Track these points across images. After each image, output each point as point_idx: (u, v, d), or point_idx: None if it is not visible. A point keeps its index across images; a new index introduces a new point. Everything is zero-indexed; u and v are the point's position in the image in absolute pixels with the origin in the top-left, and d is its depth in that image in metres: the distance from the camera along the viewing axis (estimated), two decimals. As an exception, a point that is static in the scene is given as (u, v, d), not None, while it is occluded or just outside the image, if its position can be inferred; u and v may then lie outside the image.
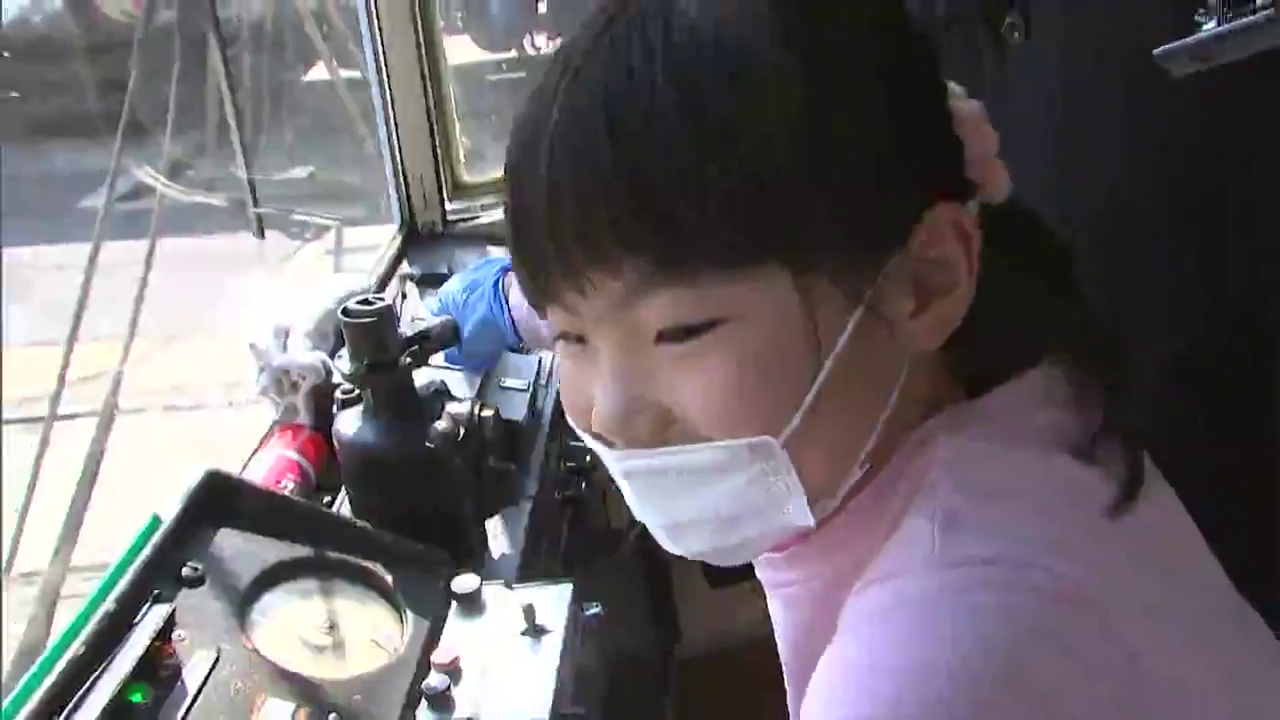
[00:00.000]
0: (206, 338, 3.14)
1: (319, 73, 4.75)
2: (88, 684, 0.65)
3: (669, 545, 0.50)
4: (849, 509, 0.47)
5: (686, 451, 0.45)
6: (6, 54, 4.73)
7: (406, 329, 0.96)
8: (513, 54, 4.91)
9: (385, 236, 1.54)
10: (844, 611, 0.45)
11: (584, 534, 1.23)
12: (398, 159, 1.47)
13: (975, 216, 0.47)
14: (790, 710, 0.58)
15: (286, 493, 0.96)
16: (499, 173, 1.71)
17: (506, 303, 0.98)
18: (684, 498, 0.46)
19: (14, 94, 4.85)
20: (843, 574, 0.46)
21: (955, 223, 0.45)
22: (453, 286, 1.04)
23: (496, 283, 0.99)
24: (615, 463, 0.48)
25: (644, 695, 1.64)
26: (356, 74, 4.53)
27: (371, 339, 0.90)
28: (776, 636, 0.57)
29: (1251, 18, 0.65)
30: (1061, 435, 0.45)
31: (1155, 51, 0.64)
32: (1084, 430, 0.45)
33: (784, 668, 0.57)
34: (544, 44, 4.77)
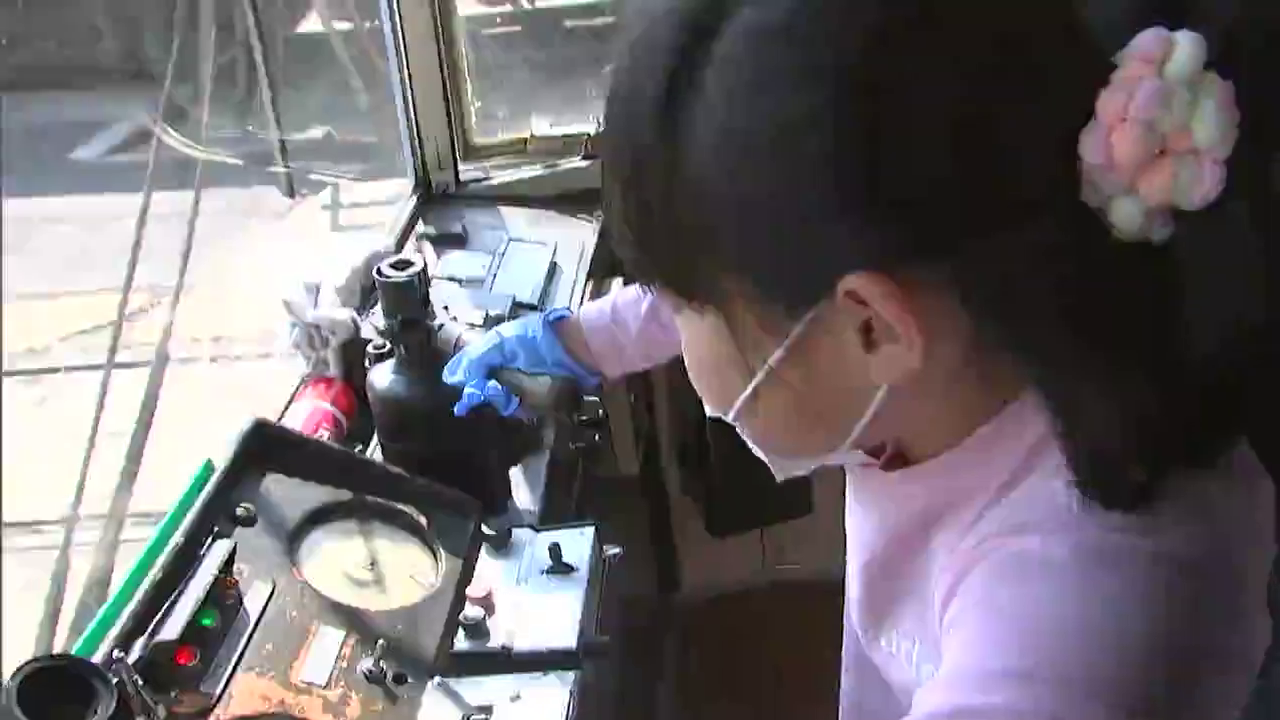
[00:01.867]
0: (209, 290, 3.17)
1: (311, 24, 4.72)
2: (165, 607, 0.72)
3: None
4: (957, 451, 0.49)
5: None
6: (-5, 2, 4.67)
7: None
8: (507, 7, 4.89)
9: (383, 192, 1.58)
10: (966, 548, 0.47)
11: (594, 482, 1.30)
12: (412, 120, 1.51)
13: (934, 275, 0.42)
14: (852, 600, 0.63)
15: (324, 440, 1.02)
16: (509, 135, 1.73)
17: (567, 351, 0.92)
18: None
19: (0, 41, 4.81)
20: (938, 506, 0.50)
21: (879, 294, 0.42)
22: (490, 356, 0.92)
23: (550, 340, 0.92)
24: None
25: (646, 637, 1.72)
26: (349, 25, 4.50)
27: (406, 297, 0.95)
28: (850, 540, 0.62)
29: None
30: None
31: None
32: None
33: (854, 571, 0.61)
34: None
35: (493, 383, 0.90)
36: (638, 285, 0.82)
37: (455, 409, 0.91)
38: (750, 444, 0.53)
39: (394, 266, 0.96)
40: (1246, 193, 0.40)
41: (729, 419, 0.51)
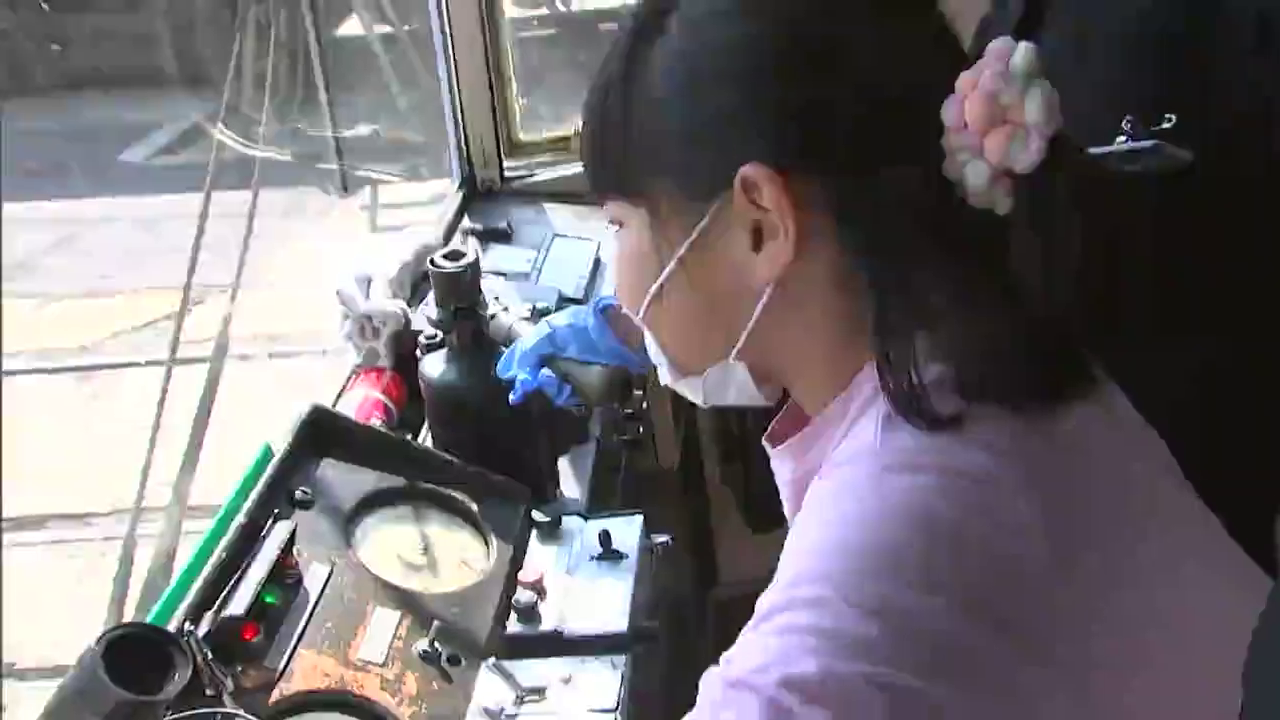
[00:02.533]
0: (261, 288, 3.22)
1: (352, 27, 4.80)
2: (230, 584, 0.74)
3: None
4: (821, 416, 0.56)
5: None
6: (46, 6, 4.79)
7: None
8: (544, 10, 4.94)
9: (423, 193, 1.60)
10: (806, 497, 0.53)
11: (635, 474, 1.31)
12: (459, 118, 1.53)
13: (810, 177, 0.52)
14: None
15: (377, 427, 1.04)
16: (552, 132, 1.74)
17: (619, 339, 0.91)
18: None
19: (55, 46, 4.92)
20: (813, 468, 0.56)
21: (767, 181, 0.51)
22: (541, 346, 0.92)
23: (601, 327, 0.91)
24: None
25: (683, 632, 1.73)
26: (388, 29, 4.57)
27: (459, 288, 0.97)
28: None
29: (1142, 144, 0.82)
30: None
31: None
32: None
33: None
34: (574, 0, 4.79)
35: (546, 371, 0.90)
36: None
37: (510, 398, 0.92)
38: (657, 353, 0.61)
39: (446, 257, 0.98)
40: (1064, 168, 0.50)
41: (639, 317, 0.59)
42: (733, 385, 0.59)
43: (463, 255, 0.98)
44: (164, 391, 1.21)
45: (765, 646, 0.45)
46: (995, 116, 0.50)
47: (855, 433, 0.52)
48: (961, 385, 0.50)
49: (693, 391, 0.61)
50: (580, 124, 0.60)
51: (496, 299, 1.04)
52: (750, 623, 0.47)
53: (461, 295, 0.98)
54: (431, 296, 1.04)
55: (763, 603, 0.48)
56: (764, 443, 0.63)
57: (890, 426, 0.50)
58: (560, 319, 0.93)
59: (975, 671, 0.44)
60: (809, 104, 0.52)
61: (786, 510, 0.64)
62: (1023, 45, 0.51)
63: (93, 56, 4.97)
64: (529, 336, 0.93)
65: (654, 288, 0.57)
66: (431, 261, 0.98)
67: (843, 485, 0.50)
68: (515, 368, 0.92)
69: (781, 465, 0.61)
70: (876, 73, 0.52)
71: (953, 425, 0.49)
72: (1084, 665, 0.45)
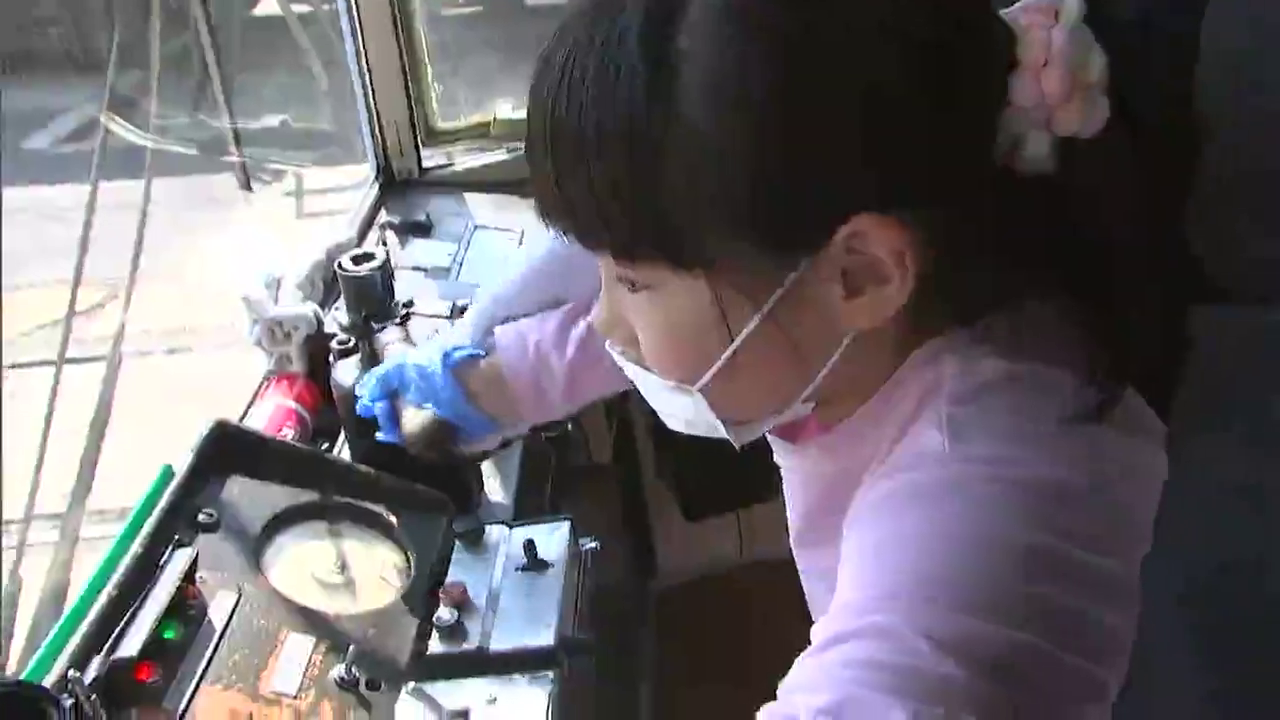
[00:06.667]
0: (167, 282, 3.10)
1: (268, 7, 4.62)
2: (123, 622, 0.69)
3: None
4: (858, 414, 0.53)
5: (644, 372, 0.55)
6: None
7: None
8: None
9: (348, 178, 1.54)
10: (858, 499, 0.50)
11: (567, 471, 1.28)
12: (371, 105, 1.47)
13: (914, 221, 0.47)
14: (801, 571, 0.66)
15: (288, 440, 0.99)
16: (472, 119, 1.69)
17: (468, 398, 0.84)
18: (657, 399, 0.56)
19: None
20: (852, 466, 0.53)
21: (878, 234, 0.46)
22: (387, 377, 0.87)
23: (446, 380, 0.85)
24: (615, 357, 0.58)
25: (624, 625, 1.71)
26: (307, 8, 4.41)
27: (369, 293, 0.93)
28: (788, 509, 0.65)
29: None
30: (1056, 355, 0.49)
31: None
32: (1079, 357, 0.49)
33: (793, 537, 0.65)
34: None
35: (381, 405, 0.86)
36: (560, 317, 0.83)
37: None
38: (703, 418, 0.54)
39: (355, 260, 0.94)
40: (1120, 125, 0.47)
41: (696, 388, 0.52)
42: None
43: (372, 257, 0.94)
44: (52, 398, 1.14)
45: (832, 680, 0.41)
46: (1076, 85, 0.46)
47: (915, 434, 0.49)
48: (1101, 371, 0.47)
49: (752, 436, 0.56)
50: (556, 167, 0.48)
51: (410, 302, 0.99)
52: (813, 647, 0.44)
53: (372, 300, 0.93)
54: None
55: (829, 627, 0.44)
56: (773, 438, 0.60)
57: (957, 431, 0.46)
58: (417, 355, 0.87)
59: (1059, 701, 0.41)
60: (931, 136, 0.45)
61: (802, 506, 0.61)
62: None
63: (-8, 41, 4.72)
64: (388, 362, 0.89)
65: (723, 358, 0.50)
66: (339, 265, 0.93)
67: (914, 494, 0.46)
68: (363, 389, 0.88)
69: (804, 460, 0.59)
70: (962, 78, 0.46)
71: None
72: (1115, 690, 0.44)
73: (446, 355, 0.85)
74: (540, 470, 1.15)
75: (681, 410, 0.55)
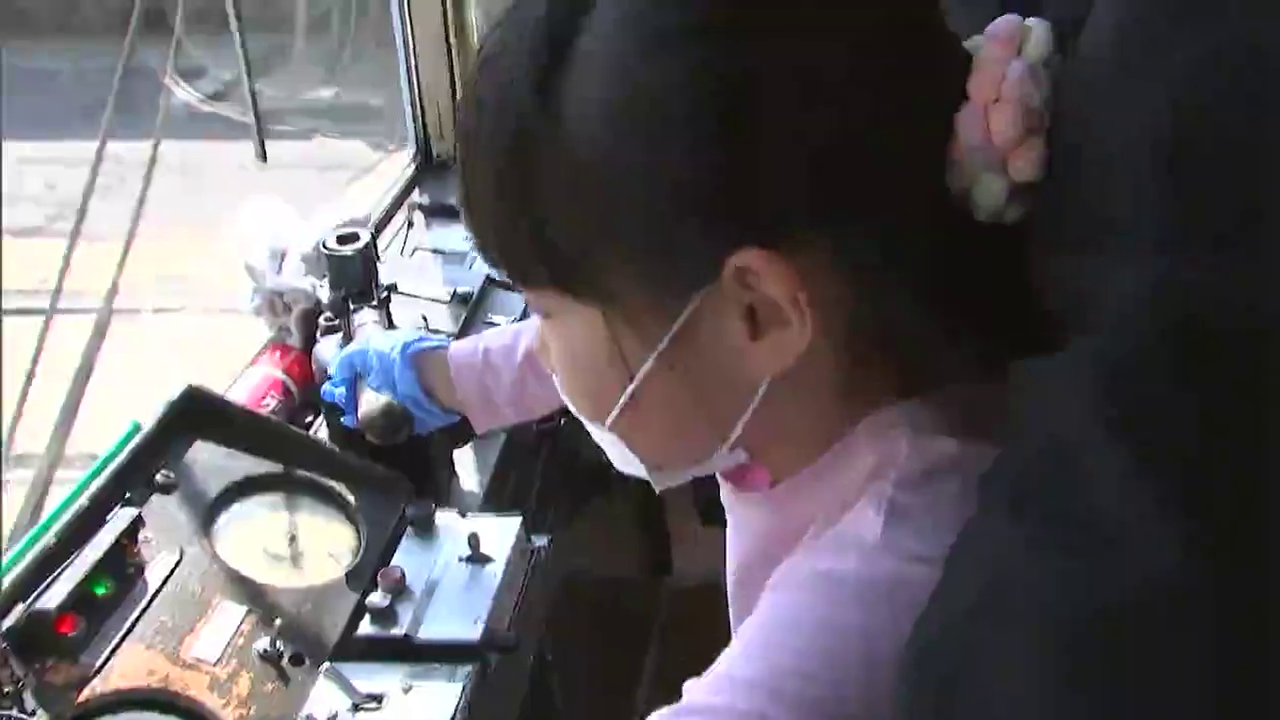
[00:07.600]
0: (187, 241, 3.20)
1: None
2: (54, 574, 0.72)
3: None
4: (805, 472, 0.50)
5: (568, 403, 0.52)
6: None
7: (402, 262, 0.98)
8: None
9: (370, 157, 1.55)
10: (785, 564, 0.48)
11: (563, 468, 1.27)
12: (414, 83, 1.49)
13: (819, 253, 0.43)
14: (732, 615, 0.62)
15: (268, 410, 1.01)
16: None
17: (425, 390, 0.86)
18: (591, 431, 0.52)
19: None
20: (794, 524, 0.50)
21: (770, 272, 0.42)
22: (350, 359, 0.89)
23: (404, 370, 0.86)
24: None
25: (634, 621, 1.71)
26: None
27: (350, 273, 0.94)
28: (727, 554, 0.61)
29: None
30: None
31: None
32: None
33: (729, 584, 0.61)
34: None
35: (341, 389, 0.88)
36: (517, 327, 0.81)
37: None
38: (621, 460, 0.51)
39: (341, 240, 0.95)
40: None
41: (603, 429, 0.49)
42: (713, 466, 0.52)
43: (356, 238, 0.95)
44: (40, 345, 1.19)
45: None
46: (1031, 126, 0.41)
47: (858, 511, 0.45)
48: None
49: (674, 481, 0.53)
50: (468, 191, 0.46)
51: (394, 285, 1.00)
52: (671, 709, 0.42)
53: (353, 280, 0.94)
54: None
55: (696, 692, 0.42)
56: (722, 481, 0.56)
57: (895, 518, 0.43)
58: (381, 340, 0.88)
59: None
60: (818, 157, 0.41)
61: (740, 556, 0.57)
62: (1037, 24, 0.42)
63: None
64: (352, 345, 0.90)
65: (623, 399, 0.47)
66: (323, 243, 0.95)
67: (827, 584, 0.43)
68: (331, 370, 0.89)
69: (747, 512, 0.55)
70: (883, 98, 0.42)
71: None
72: None
73: (406, 345, 0.86)
74: (524, 462, 1.15)
75: (604, 444, 0.52)
